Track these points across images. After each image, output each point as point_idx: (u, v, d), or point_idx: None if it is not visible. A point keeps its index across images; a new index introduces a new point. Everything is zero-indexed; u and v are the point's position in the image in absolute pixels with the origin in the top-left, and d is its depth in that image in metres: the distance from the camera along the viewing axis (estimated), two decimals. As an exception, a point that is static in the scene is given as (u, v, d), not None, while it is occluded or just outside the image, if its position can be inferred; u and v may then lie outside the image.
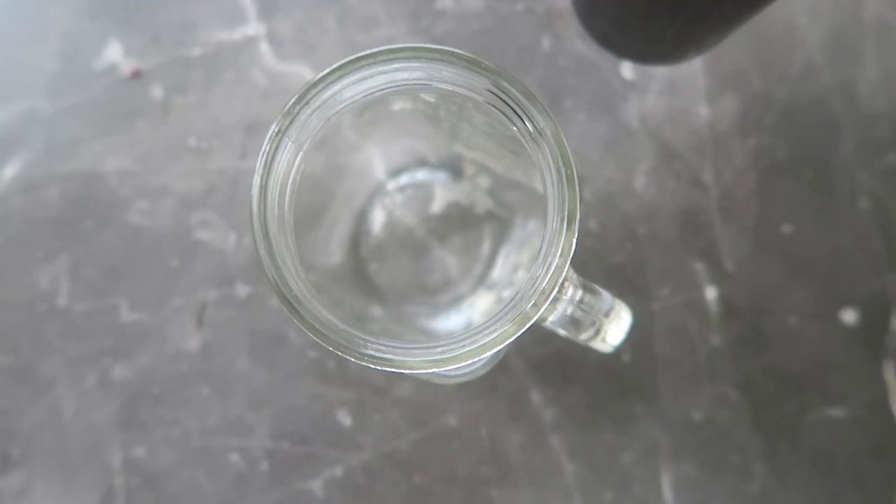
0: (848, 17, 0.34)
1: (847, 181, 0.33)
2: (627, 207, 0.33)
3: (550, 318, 0.22)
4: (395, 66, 0.17)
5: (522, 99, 0.17)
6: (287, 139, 0.17)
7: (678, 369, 0.33)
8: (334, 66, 0.17)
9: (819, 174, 0.33)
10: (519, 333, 0.18)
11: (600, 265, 0.33)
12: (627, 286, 0.33)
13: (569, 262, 0.17)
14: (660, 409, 0.33)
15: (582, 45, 0.33)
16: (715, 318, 0.33)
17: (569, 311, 0.22)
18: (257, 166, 0.18)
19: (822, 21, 0.33)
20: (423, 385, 0.33)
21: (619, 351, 0.33)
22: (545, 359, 0.33)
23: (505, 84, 0.17)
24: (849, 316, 0.33)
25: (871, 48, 0.33)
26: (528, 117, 0.17)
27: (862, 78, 0.33)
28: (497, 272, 0.32)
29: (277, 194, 0.18)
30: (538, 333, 0.32)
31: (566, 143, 0.17)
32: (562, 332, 0.23)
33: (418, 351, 0.17)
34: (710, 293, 0.33)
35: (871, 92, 0.33)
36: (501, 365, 0.33)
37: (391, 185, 0.33)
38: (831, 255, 0.33)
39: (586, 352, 0.33)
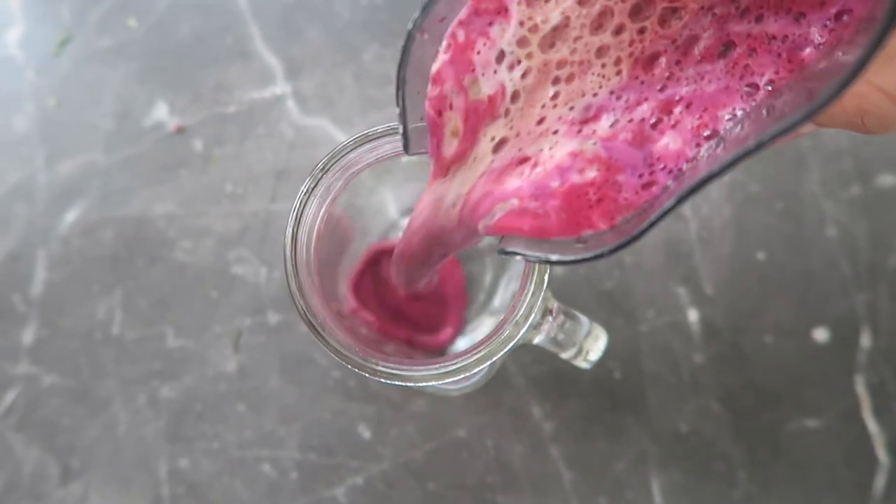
0: (811, 64, 0.37)
1: (815, 211, 0.37)
2: (615, 239, 0.37)
3: (536, 340, 0.26)
4: (398, 137, 0.22)
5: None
6: (313, 197, 0.22)
7: (664, 384, 0.36)
8: (350, 139, 0.21)
9: (789, 205, 0.37)
10: (502, 353, 0.21)
11: (591, 291, 0.37)
12: (616, 310, 0.36)
13: (541, 296, 0.21)
14: (648, 421, 0.36)
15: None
16: (697, 337, 0.36)
17: (552, 334, 0.26)
18: (289, 219, 0.22)
19: (788, 68, 0.37)
20: (436, 401, 0.37)
21: (610, 368, 0.36)
22: (544, 376, 0.37)
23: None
24: (820, 334, 0.36)
25: (834, 91, 0.37)
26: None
27: (826, 118, 0.37)
28: (498, 300, 0.36)
29: (305, 240, 0.22)
30: (537, 353, 0.36)
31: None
32: (551, 350, 0.26)
33: (420, 368, 0.21)
34: (692, 315, 0.36)
35: (834, 130, 0.37)
36: (504, 382, 0.37)
37: (403, 222, 0.37)
38: (802, 279, 0.36)
39: (581, 370, 0.37)
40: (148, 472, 0.37)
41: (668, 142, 0.17)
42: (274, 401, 0.37)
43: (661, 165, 0.17)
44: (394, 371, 0.22)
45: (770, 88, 0.16)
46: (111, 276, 0.38)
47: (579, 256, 0.16)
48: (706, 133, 0.17)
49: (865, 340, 0.36)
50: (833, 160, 0.37)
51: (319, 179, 0.21)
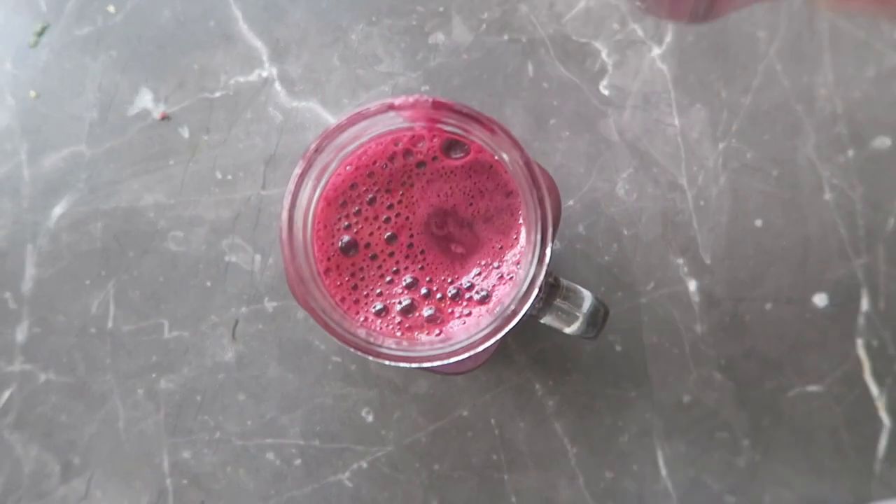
0: (803, 26, 0.37)
1: (811, 176, 0.36)
2: (612, 212, 0.36)
3: (539, 316, 0.25)
4: (391, 114, 0.21)
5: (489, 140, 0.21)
6: (307, 179, 0.21)
7: (666, 356, 0.36)
8: (343, 118, 0.21)
9: (785, 171, 0.36)
10: (505, 330, 0.21)
11: (589, 265, 0.36)
12: (615, 283, 0.36)
13: (543, 271, 0.21)
14: (651, 393, 0.36)
15: (562, 69, 0.37)
16: (697, 307, 0.36)
17: (554, 309, 0.25)
18: (284, 202, 0.21)
19: (780, 32, 0.37)
20: (438, 381, 0.36)
21: (611, 342, 0.36)
22: (545, 352, 0.36)
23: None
24: (820, 299, 0.36)
25: (826, 54, 0.37)
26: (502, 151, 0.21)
27: (819, 82, 0.37)
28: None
29: (301, 224, 0.22)
30: (537, 330, 0.36)
31: (537, 171, 0.21)
32: (554, 325, 0.26)
33: (424, 348, 0.21)
34: (692, 285, 0.36)
35: (828, 94, 0.37)
36: (506, 360, 0.36)
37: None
38: (801, 245, 0.36)
39: (581, 344, 0.36)
40: (150, 466, 0.37)
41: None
42: (274, 389, 0.37)
43: None
44: (396, 353, 0.21)
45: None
46: (103, 270, 0.37)
47: None
48: None
49: (865, 304, 0.36)
50: (828, 125, 0.36)
51: (314, 161, 0.21)
